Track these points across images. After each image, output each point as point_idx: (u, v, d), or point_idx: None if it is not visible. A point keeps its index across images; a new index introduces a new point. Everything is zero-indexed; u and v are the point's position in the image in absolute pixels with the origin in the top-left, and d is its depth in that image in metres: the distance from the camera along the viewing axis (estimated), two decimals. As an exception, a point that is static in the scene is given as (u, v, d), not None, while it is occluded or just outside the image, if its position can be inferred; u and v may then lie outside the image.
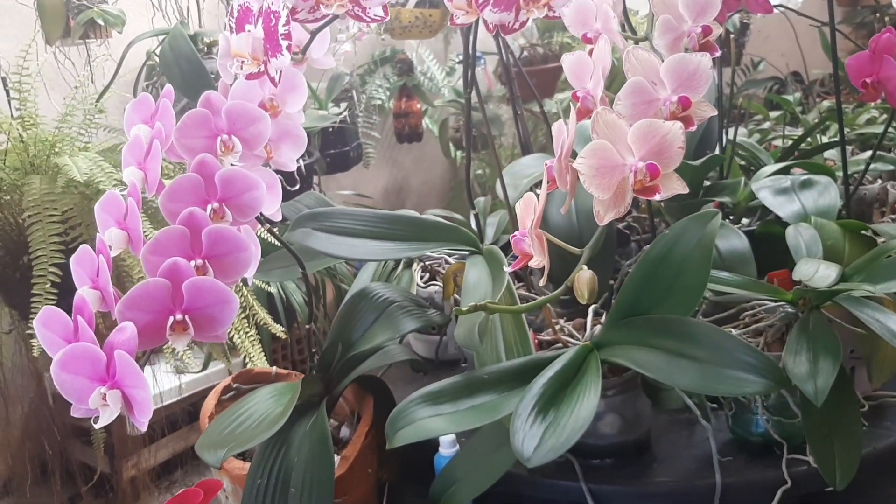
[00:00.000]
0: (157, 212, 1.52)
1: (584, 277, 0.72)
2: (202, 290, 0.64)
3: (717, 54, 0.71)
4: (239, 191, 0.71)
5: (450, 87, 3.21)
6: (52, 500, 2.15)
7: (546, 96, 1.76)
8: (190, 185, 0.69)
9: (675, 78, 0.68)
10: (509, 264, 1.02)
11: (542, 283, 0.67)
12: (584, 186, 0.65)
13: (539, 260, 0.66)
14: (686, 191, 0.64)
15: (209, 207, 0.69)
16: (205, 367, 2.33)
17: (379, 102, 3.24)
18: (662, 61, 0.68)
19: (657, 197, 0.64)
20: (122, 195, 0.69)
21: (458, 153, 3.34)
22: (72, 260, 0.66)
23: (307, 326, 1.02)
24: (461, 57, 3.20)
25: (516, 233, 0.68)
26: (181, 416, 2.34)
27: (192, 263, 0.65)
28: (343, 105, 2.47)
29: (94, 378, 0.59)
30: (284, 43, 0.70)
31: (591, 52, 0.72)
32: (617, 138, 0.66)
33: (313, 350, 1.05)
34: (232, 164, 0.73)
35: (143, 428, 0.59)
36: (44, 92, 1.78)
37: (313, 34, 0.77)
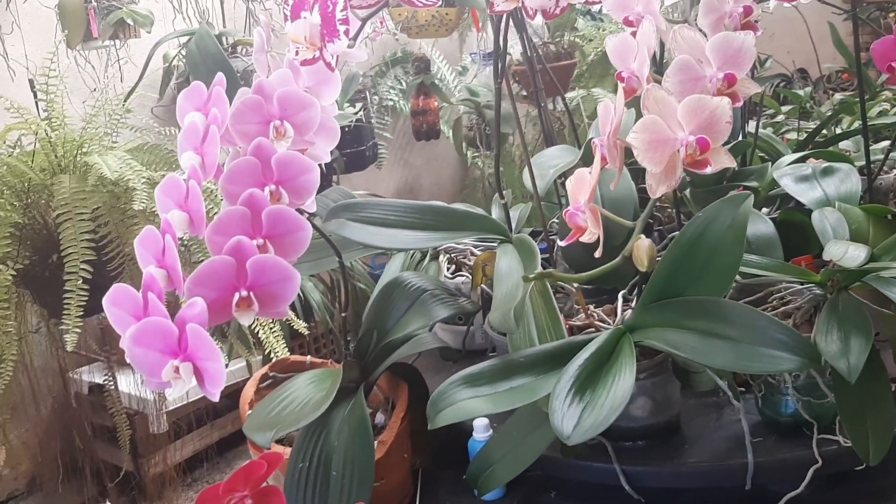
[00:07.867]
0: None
1: (643, 245, 0.74)
2: (265, 267, 0.67)
3: (759, 33, 0.73)
4: (295, 173, 0.74)
5: (462, 86, 3.24)
6: (78, 496, 2.17)
7: (559, 93, 1.79)
8: (248, 167, 0.72)
9: (720, 56, 0.71)
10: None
11: (597, 254, 0.69)
12: (637, 160, 0.67)
13: (594, 233, 0.68)
14: (734, 165, 0.67)
15: (266, 189, 0.72)
16: (226, 363, 2.35)
17: (391, 103, 3.27)
18: (707, 40, 0.70)
19: (708, 170, 0.66)
20: (182, 178, 0.71)
21: (470, 152, 3.36)
22: (136, 242, 0.68)
23: (343, 315, 1.04)
24: (473, 56, 3.24)
25: (569, 208, 0.70)
26: (205, 412, 2.37)
27: (254, 243, 0.68)
28: (358, 105, 2.49)
29: (167, 352, 0.62)
30: (342, 28, 0.72)
31: (634, 34, 0.74)
32: (667, 114, 0.68)
33: (347, 338, 1.07)
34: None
35: (215, 399, 0.62)
36: (65, 95, 1.81)
37: (364, 20, 0.79)
